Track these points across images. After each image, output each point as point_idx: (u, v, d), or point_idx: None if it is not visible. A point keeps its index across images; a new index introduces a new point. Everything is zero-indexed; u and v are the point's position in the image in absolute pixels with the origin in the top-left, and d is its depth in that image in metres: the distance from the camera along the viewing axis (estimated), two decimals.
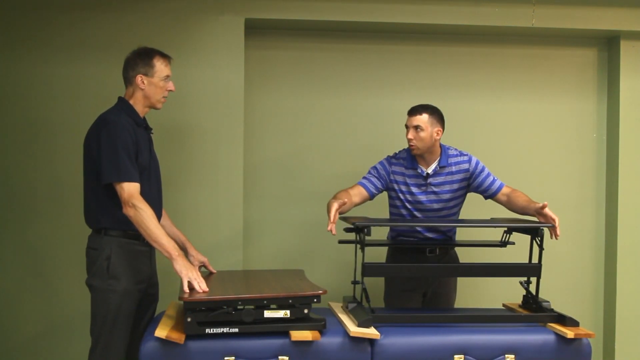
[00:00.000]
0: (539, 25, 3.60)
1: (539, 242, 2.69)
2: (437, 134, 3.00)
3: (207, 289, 2.39)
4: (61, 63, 3.43)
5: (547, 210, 2.75)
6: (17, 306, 3.46)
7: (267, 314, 2.38)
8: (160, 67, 2.64)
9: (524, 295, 2.84)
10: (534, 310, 2.72)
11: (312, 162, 3.72)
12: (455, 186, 3.06)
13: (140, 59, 2.63)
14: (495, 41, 3.81)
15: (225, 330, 2.34)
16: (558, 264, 3.77)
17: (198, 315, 2.32)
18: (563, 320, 2.57)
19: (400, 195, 3.07)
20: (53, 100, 3.44)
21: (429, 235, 3.12)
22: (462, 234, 3.63)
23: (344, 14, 3.51)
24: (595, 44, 3.89)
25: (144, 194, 2.52)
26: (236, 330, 2.35)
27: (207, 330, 2.32)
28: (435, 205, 3.06)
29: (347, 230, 2.92)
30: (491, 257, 3.51)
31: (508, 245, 2.96)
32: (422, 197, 3.04)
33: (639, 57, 3.78)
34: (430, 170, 3.03)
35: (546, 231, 2.73)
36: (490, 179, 3.06)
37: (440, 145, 3.08)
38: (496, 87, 3.83)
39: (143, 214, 2.41)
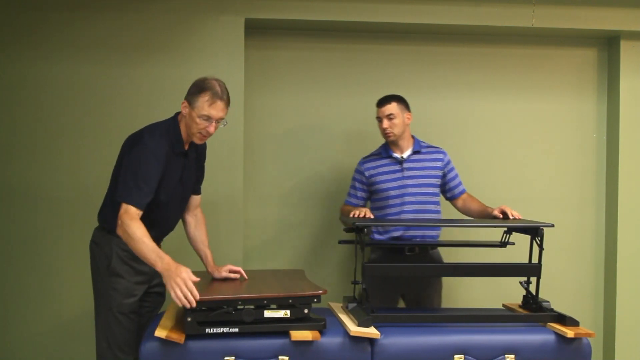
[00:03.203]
0: (539, 25, 3.60)
1: (539, 242, 2.69)
2: (408, 119, 3.20)
3: (197, 297, 2.25)
4: (60, 62, 3.43)
5: (505, 209, 2.93)
6: (17, 306, 3.46)
7: (267, 313, 2.38)
8: (203, 105, 2.47)
9: (524, 295, 2.84)
10: (534, 310, 2.72)
11: (313, 162, 3.72)
12: (430, 172, 3.18)
13: (194, 86, 2.52)
14: (495, 41, 3.82)
15: (225, 330, 2.34)
16: (558, 264, 3.77)
17: (198, 315, 2.31)
18: (563, 320, 2.57)
19: (379, 186, 3.17)
20: (52, 99, 3.44)
21: (413, 233, 3.17)
22: (462, 234, 3.64)
23: (344, 14, 3.51)
24: (595, 44, 3.89)
25: (159, 221, 2.56)
26: (236, 330, 2.35)
27: (207, 330, 2.32)
28: (411, 190, 3.13)
29: (347, 230, 2.92)
30: (491, 257, 3.51)
31: (508, 246, 2.96)
32: (398, 183, 3.14)
33: (639, 57, 3.79)
34: (405, 155, 3.18)
35: (547, 231, 2.73)
36: (458, 180, 3.26)
37: (412, 136, 3.26)
38: (496, 87, 3.83)
39: (129, 230, 2.34)
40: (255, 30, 3.62)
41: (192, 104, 2.49)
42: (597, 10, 3.64)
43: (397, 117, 3.14)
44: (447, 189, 3.25)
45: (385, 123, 3.14)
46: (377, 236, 3.20)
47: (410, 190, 3.14)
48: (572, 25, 3.65)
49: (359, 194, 3.24)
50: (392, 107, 3.14)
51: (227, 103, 2.53)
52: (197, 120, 2.49)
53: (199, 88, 2.49)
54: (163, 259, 2.31)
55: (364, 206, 3.21)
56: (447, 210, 3.36)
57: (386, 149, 3.23)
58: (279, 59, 3.72)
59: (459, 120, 3.80)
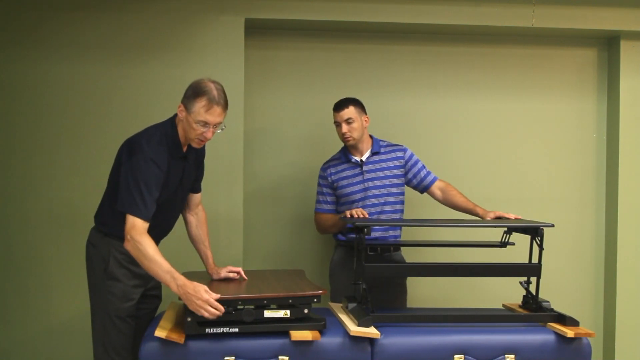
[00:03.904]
0: (539, 25, 3.60)
1: (539, 242, 2.69)
2: (366, 121, 3.19)
3: (222, 311, 2.29)
4: (60, 62, 3.43)
5: (502, 215, 2.94)
6: (15, 307, 3.46)
7: (267, 313, 2.38)
8: (199, 110, 2.40)
9: (524, 295, 2.84)
10: (534, 310, 2.71)
11: (313, 162, 3.72)
12: (391, 173, 3.17)
13: (190, 89, 2.45)
14: (495, 41, 3.82)
15: (225, 330, 2.34)
16: (558, 264, 3.77)
17: (198, 315, 2.31)
18: (563, 319, 2.57)
19: (342, 190, 3.17)
20: (52, 99, 3.43)
21: (375, 234, 3.14)
22: (462, 234, 3.64)
23: (344, 14, 3.51)
24: (595, 44, 3.89)
25: (159, 223, 2.53)
26: (236, 330, 2.35)
27: (207, 330, 2.32)
28: (372, 192, 3.12)
29: (347, 230, 2.92)
30: (491, 257, 3.51)
31: (508, 246, 2.95)
32: (360, 186, 3.14)
33: (639, 57, 3.78)
34: (364, 158, 3.18)
35: (547, 231, 2.73)
36: (425, 170, 3.23)
37: (371, 136, 3.26)
38: (496, 87, 3.83)
39: (141, 248, 2.31)
40: (255, 30, 3.62)
41: (189, 109, 2.43)
42: (597, 10, 3.64)
43: (355, 120, 3.12)
44: (417, 183, 3.22)
45: (344, 127, 3.12)
46: (340, 236, 3.22)
47: (372, 192, 3.14)
48: (572, 25, 3.65)
49: (329, 199, 3.22)
50: (350, 111, 3.12)
51: (225, 107, 2.46)
52: (194, 125, 2.43)
53: (195, 92, 2.43)
54: (177, 280, 2.29)
55: (335, 211, 3.21)
56: (442, 209, 3.36)
57: (345, 153, 3.23)
58: (279, 59, 3.72)
59: (458, 120, 3.80)
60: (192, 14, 3.48)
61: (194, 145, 2.53)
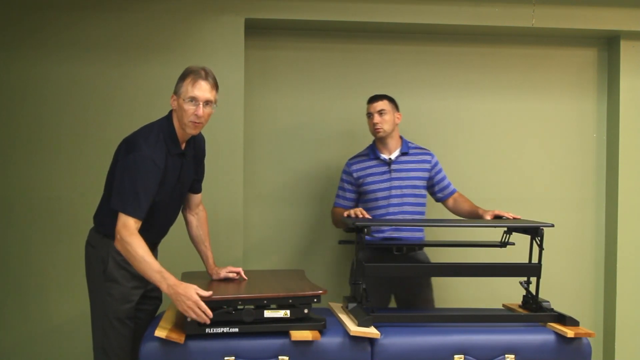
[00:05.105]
0: (539, 25, 3.60)
1: (539, 242, 2.69)
2: (398, 118, 3.23)
3: (210, 315, 2.29)
4: (60, 62, 3.43)
5: (500, 213, 2.95)
6: (14, 307, 3.46)
7: (267, 313, 2.38)
8: (187, 88, 2.44)
9: (524, 295, 2.84)
10: (534, 310, 2.71)
11: (313, 162, 3.72)
12: (417, 174, 3.18)
13: (180, 76, 2.50)
14: (495, 41, 3.82)
15: (225, 330, 2.34)
16: (558, 264, 3.77)
17: None
18: (563, 319, 2.57)
19: (367, 187, 3.17)
20: (52, 99, 3.43)
21: (400, 234, 3.16)
22: (462, 234, 3.64)
23: (344, 14, 3.51)
24: (595, 44, 3.89)
25: (157, 223, 2.53)
26: (236, 330, 2.35)
27: (207, 330, 2.32)
28: (396, 192, 3.13)
29: (348, 230, 2.92)
30: (491, 257, 3.51)
31: (508, 246, 2.95)
32: (386, 185, 3.14)
33: (639, 57, 3.78)
34: (393, 156, 3.18)
35: (547, 231, 2.73)
36: (447, 180, 3.27)
37: (401, 137, 3.27)
38: (496, 87, 3.83)
39: (130, 249, 2.31)
40: (255, 30, 3.62)
41: (178, 92, 2.48)
42: (597, 10, 3.64)
43: (388, 113, 3.16)
44: (437, 190, 3.25)
45: (376, 118, 3.15)
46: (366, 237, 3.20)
47: (396, 192, 3.14)
48: (572, 25, 3.65)
49: (348, 195, 3.23)
50: (384, 104, 3.17)
51: (214, 86, 2.49)
52: (185, 106, 2.44)
53: (182, 75, 2.50)
54: (168, 279, 2.29)
55: (354, 207, 3.20)
56: (440, 211, 3.36)
57: (374, 150, 3.23)
58: (279, 59, 3.72)
59: (458, 120, 3.80)
60: (192, 14, 3.48)
61: (190, 130, 2.50)
